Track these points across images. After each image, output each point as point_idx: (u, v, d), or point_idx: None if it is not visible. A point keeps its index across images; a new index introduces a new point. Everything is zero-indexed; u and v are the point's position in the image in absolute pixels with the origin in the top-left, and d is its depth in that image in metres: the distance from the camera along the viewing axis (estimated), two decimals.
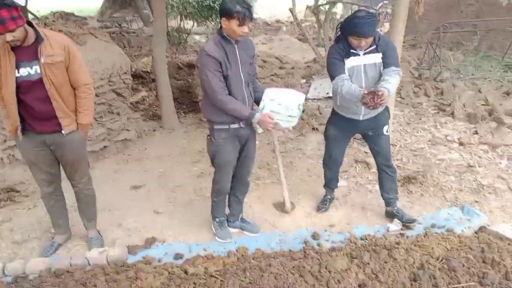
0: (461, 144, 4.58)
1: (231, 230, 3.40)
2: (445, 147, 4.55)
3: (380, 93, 2.68)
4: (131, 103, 6.47)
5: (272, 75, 5.50)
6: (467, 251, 2.66)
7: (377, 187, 3.96)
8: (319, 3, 9.81)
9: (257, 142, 5.13)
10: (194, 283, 2.45)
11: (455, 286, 2.36)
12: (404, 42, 8.35)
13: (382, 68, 2.96)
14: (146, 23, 14.67)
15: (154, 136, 5.60)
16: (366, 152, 4.57)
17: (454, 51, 8.24)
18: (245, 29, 2.66)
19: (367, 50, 2.93)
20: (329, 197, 3.66)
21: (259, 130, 2.97)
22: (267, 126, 2.87)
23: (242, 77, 2.83)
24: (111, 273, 2.67)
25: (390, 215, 3.42)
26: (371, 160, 4.33)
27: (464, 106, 5.51)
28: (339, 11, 11.45)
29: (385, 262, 2.56)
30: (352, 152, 4.70)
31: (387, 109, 3.22)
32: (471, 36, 8.28)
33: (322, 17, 10.10)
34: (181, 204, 3.82)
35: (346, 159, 4.41)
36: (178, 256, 3.00)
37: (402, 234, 3.20)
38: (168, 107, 5.79)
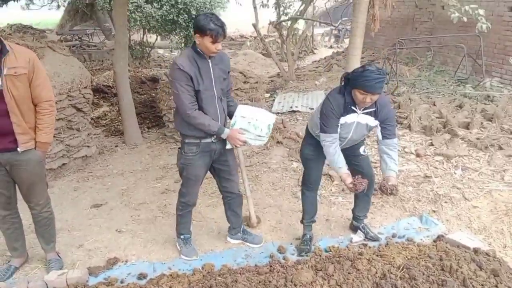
0: (418, 155, 4.77)
1: (234, 241, 3.40)
2: (403, 158, 4.73)
3: (391, 185, 2.75)
4: (92, 119, 6.32)
5: (237, 89, 5.52)
6: (426, 260, 2.76)
7: (340, 199, 4.07)
8: (282, 19, 10.02)
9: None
10: None
11: None
12: (362, 58, 8.65)
13: (380, 136, 2.91)
14: (107, 37, 14.46)
15: (116, 152, 5.48)
16: (328, 165, 4.66)
17: (410, 66, 8.62)
18: (218, 46, 2.68)
19: (366, 111, 2.83)
20: (308, 236, 3.35)
21: (228, 146, 2.98)
22: (236, 143, 2.89)
23: (215, 93, 2.84)
24: None
25: (355, 230, 3.50)
26: (334, 173, 4.43)
27: (420, 119, 5.75)
28: (301, 27, 11.74)
29: (349, 273, 2.61)
30: None
31: None
32: (425, 52, 8.71)
33: (284, 32, 10.32)
34: (145, 222, 3.74)
35: None
36: (141, 276, 2.93)
37: (365, 245, 3.28)
38: (131, 122, 5.69)
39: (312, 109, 6.76)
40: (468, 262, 2.71)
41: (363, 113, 2.84)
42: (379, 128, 2.91)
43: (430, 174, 4.29)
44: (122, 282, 2.88)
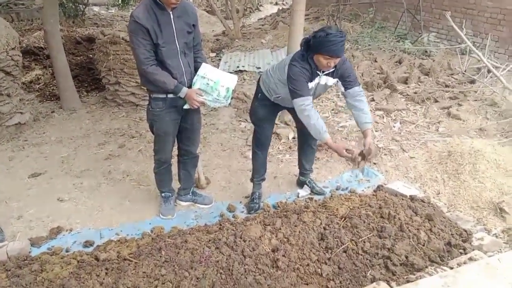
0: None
1: (183, 203, 3.38)
2: (347, 114, 4.87)
3: (370, 151, 2.69)
4: (23, 83, 5.87)
5: None
6: (367, 209, 2.92)
7: (287, 156, 4.15)
8: None
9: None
10: (106, 269, 2.36)
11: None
12: (307, 15, 8.61)
13: (342, 89, 2.87)
14: None
15: (53, 118, 5.16)
16: (276, 124, 4.71)
17: (353, 23, 8.73)
18: None
19: (326, 72, 2.78)
20: (257, 194, 3.40)
21: (185, 106, 2.85)
22: (193, 104, 2.79)
23: (178, 47, 2.69)
24: (12, 268, 2.47)
25: (302, 185, 3.60)
26: (282, 131, 4.49)
27: (362, 75, 5.91)
28: None
29: (295, 226, 2.71)
30: None
31: None
32: (367, 8, 8.83)
33: None
34: (89, 189, 3.61)
35: None
36: (88, 244, 2.86)
37: (311, 199, 3.40)
38: (67, 86, 5.34)
39: (259, 68, 6.71)
40: (404, 208, 2.91)
41: (324, 75, 2.80)
42: (339, 82, 2.88)
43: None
44: (67, 251, 2.80)
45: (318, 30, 2.63)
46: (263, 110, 3.14)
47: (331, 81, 2.86)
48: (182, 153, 3.23)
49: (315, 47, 2.60)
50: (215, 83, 2.77)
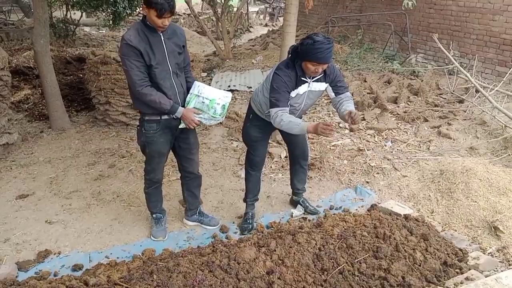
0: (351, 130, 4.96)
1: (190, 223, 3.34)
2: (338, 133, 4.89)
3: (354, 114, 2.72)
4: (12, 103, 5.79)
5: None
6: (362, 229, 2.89)
7: (280, 175, 4.13)
8: None
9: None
10: None
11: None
12: (297, 36, 8.72)
13: (332, 95, 2.92)
14: (26, 14, 13.29)
15: (42, 138, 5.07)
16: (268, 143, 4.70)
17: (342, 44, 8.87)
18: (165, 21, 2.55)
19: (316, 78, 2.82)
20: (250, 214, 3.35)
21: (181, 125, 2.82)
22: (190, 124, 2.77)
23: (170, 67, 2.71)
24: None
25: (295, 204, 3.57)
26: (274, 150, 4.48)
27: (352, 95, 5.96)
28: (235, 4, 11.54)
29: (290, 247, 2.66)
30: None
31: None
32: (356, 30, 9.00)
33: (219, 10, 10.10)
34: (78, 211, 3.52)
35: None
36: (76, 268, 2.77)
37: (304, 218, 3.37)
38: (56, 106, 5.28)
39: (250, 87, 6.74)
40: (400, 228, 2.89)
41: (313, 81, 2.84)
42: (330, 88, 2.91)
43: (363, 147, 4.48)
44: (55, 275, 2.71)
45: (306, 37, 2.69)
46: (255, 131, 3.13)
47: (323, 86, 2.90)
48: (184, 174, 3.19)
49: (303, 54, 2.65)
50: (210, 101, 2.76)
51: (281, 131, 3.19)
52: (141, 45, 2.56)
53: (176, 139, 2.97)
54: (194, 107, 2.78)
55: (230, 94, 2.88)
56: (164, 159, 2.99)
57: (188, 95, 2.82)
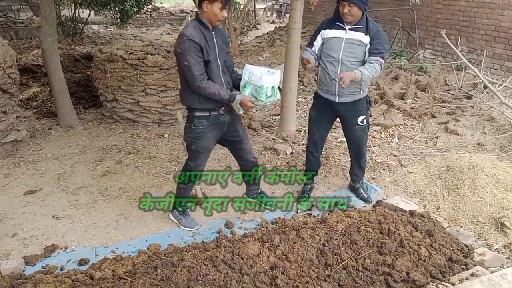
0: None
1: (250, 199, 3.52)
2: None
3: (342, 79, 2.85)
4: (21, 100, 5.87)
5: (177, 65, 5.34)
6: (366, 224, 2.88)
7: (285, 172, 4.12)
8: None
9: (165, 136, 5.05)
10: None
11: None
12: (304, 32, 8.69)
13: (367, 53, 3.00)
14: (35, 13, 13.40)
15: (50, 135, 5.13)
16: (274, 139, 4.70)
17: None
18: (224, 13, 2.73)
19: (353, 26, 2.96)
20: (309, 186, 3.62)
21: (241, 111, 2.96)
22: (248, 109, 2.93)
23: (219, 64, 2.85)
24: (6, 287, 2.41)
25: (352, 189, 3.69)
26: (279, 146, 4.48)
27: (368, 94, 5.93)
28: (242, 1, 11.54)
29: (294, 243, 2.67)
30: (261, 139, 4.80)
31: (366, 99, 3.27)
32: None
33: None
34: (84, 206, 3.56)
35: (255, 147, 4.50)
36: (83, 262, 2.80)
37: (309, 214, 3.36)
38: (64, 103, 5.33)
39: None
40: (404, 224, 2.88)
41: (351, 29, 2.96)
42: (369, 45, 3.00)
43: (369, 143, 4.46)
44: (62, 269, 2.74)
45: None
46: (313, 109, 3.40)
47: (363, 37, 2.97)
48: (240, 163, 3.34)
49: None
50: (259, 88, 2.82)
51: (342, 125, 3.43)
52: (201, 41, 2.70)
53: (225, 135, 3.09)
54: (249, 93, 2.86)
55: (277, 71, 2.93)
56: (208, 156, 3.12)
57: (241, 80, 2.91)
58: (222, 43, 2.88)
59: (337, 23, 3.00)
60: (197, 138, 2.95)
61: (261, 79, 2.82)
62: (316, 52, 3.16)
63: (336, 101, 3.19)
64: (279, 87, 2.92)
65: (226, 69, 2.96)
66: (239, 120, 3.16)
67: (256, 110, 5.60)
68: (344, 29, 2.98)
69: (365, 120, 3.29)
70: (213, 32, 2.79)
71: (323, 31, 3.10)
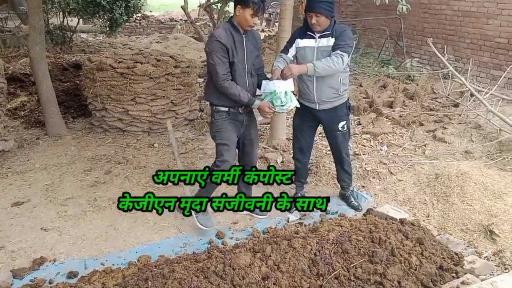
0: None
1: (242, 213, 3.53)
2: None
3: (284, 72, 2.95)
4: (8, 110, 5.79)
5: (167, 74, 5.32)
6: (357, 233, 2.90)
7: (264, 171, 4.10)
8: (211, 1, 9.81)
9: (155, 145, 5.02)
10: None
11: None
12: None
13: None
14: (23, 21, 13.25)
15: (38, 145, 5.06)
16: (264, 148, 4.71)
17: None
18: (255, 20, 2.89)
19: (322, 34, 3.07)
20: (299, 194, 3.67)
21: (259, 117, 3.08)
22: (266, 115, 3.02)
23: (246, 66, 2.99)
24: None
25: (342, 197, 3.74)
26: (270, 155, 4.48)
27: (348, 100, 5.98)
28: (232, 9, 11.60)
29: (286, 252, 2.66)
30: None
31: (346, 104, 3.37)
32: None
33: (215, 15, 10.12)
34: (73, 217, 3.51)
35: None
36: (71, 275, 2.76)
37: (300, 224, 3.36)
38: (53, 112, 5.27)
39: None
40: (395, 232, 2.90)
41: (320, 37, 3.08)
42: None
43: (359, 151, 4.50)
44: (50, 282, 2.70)
45: None
46: (296, 117, 3.49)
47: (331, 41, 3.07)
48: (242, 165, 3.41)
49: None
50: (273, 93, 2.92)
51: (325, 133, 3.57)
52: (228, 42, 2.84)
53: (239, 135, 3.20)
54: (268, 101, 2.96)
55: (291, 81, 3.01)
56: (234, 150, 3.14)
57: (260, 91, 3.09)
58: (252, 47, 3.02)
59: (308, 33, 3.12)
60: (218, 131, 3.08)
61: (274, 85, 2.94)
62: (291, 59, 3.24)
63: (317, 108, 3.30)
64: (293, 93, 3.00)
65: (254, 72, 3.09)
66: (255, 125, 3.30)
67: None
68: (314, 38, 3.10)
69: (345, 126, 3.39)
70: (244, 36, 2.94)
71: (296, 40, 3.19)
